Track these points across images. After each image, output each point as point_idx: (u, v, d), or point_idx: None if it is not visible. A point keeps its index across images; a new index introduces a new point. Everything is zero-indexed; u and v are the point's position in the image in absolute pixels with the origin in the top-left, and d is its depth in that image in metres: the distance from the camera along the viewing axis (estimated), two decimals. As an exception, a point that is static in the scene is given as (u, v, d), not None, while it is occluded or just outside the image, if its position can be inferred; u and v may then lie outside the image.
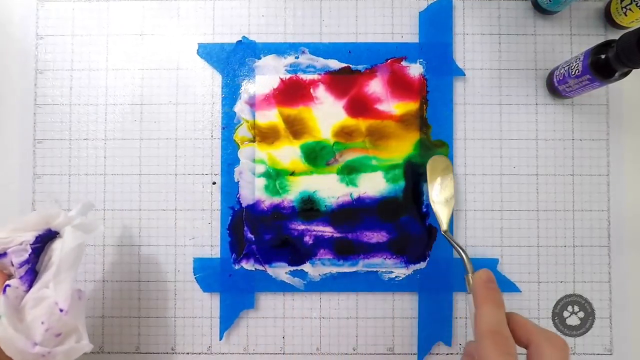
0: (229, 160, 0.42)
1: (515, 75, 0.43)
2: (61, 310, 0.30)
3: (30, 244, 0.31)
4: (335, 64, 0.42)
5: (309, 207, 0.41)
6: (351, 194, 0.41)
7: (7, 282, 0.30)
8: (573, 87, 0.38)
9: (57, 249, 0.32)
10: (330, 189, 0.41)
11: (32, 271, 0.32)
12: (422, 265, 0.41)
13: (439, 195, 0.40)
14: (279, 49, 0.42)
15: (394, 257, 0.41)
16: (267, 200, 0.41)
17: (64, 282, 0.31)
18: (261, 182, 0.41)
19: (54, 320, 0.30)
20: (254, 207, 0.41)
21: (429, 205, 0.41)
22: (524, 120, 0.43)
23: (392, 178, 0.41)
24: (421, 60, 0.42)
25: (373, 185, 0.41)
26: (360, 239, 0.41)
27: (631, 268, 0.42)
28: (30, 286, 0.31)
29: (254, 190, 0.41)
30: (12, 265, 0.31)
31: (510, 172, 0.42)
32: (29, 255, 0.31)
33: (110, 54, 0.43)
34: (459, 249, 0.35)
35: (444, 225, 0.39)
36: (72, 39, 0.43)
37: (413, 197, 0.41)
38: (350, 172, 0.42)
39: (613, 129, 0.42)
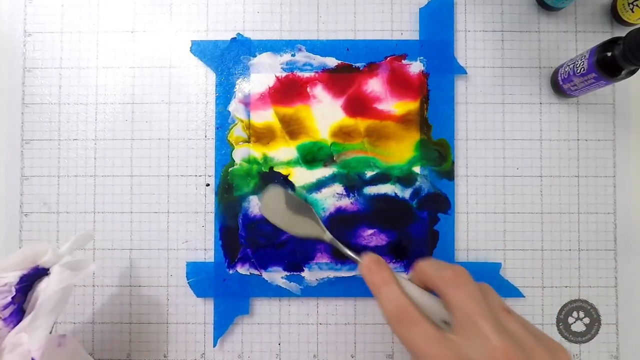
0: (223, 161, 0.41)
1: (518, 74, 0.42)
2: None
3: (14, 285, 0.30)
4: (332, 62, 0.41)
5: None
6: (350, 195, 0.40)
7: None
8: (578, 85, 0.37)
9: (44, 289, 0.30)
10: (327, 191, 0.40)
11: (18, 312, 0.30)
12: (423, 269, 0.40)
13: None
14: (275, 47, 0.41)
15: (394, 261, 0.40)
16: (262, 203, 0.40)
17: (39, 328, 0.29)
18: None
19: None
20: (248, 210, 0.40)
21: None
22: (527, 120, 0.41)
23: (392, 180, 0.40)
24: (422, 58, 0.41)
25: (372, 187, 0.40)
26: (359, 242, 0.40)
27: (638, 272, 0.41)
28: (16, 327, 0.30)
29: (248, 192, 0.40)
30: None
31: (514, 174, 0.41)
32: (12, 297, 0.30)
33: (101, 52, 0.42)
34: (340, 246, 0.34)
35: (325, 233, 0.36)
36: (62, 36, 0.42)
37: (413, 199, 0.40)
38: (348, 174, 0.40)
39: (619, 129, 0.41)
